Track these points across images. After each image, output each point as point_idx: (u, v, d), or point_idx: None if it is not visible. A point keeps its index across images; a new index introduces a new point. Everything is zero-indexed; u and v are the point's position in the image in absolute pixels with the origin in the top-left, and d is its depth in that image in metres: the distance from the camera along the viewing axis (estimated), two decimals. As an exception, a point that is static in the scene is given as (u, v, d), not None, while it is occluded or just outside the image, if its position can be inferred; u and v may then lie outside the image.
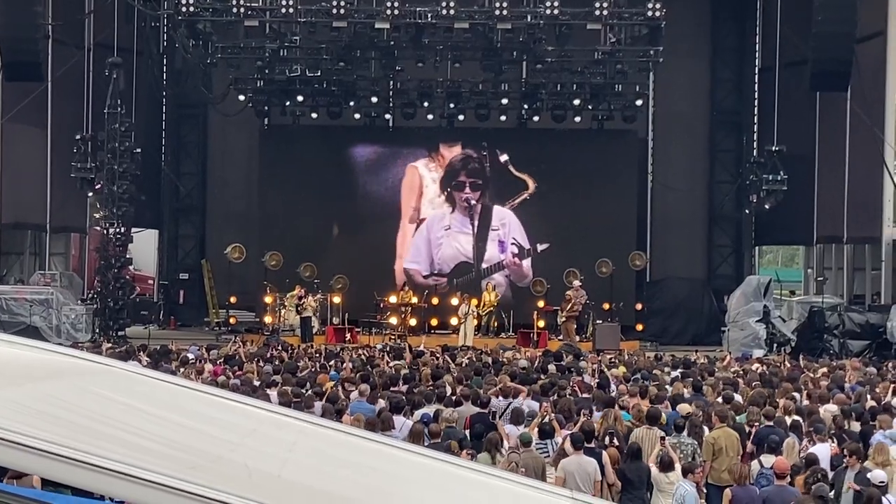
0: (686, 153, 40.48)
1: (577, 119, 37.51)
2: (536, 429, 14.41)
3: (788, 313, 35.57)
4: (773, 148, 34.88)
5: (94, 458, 2.85)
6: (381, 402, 16.29)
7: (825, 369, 23.35)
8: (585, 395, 17.80)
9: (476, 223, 37.59)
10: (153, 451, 2.92)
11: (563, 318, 33.27)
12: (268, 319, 34.58)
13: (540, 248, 37.31)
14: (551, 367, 22.05)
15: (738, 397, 17.83)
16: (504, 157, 37.33)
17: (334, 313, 34.91)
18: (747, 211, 38.15)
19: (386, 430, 13.47)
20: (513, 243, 37.64)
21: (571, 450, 13.10)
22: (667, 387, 19.06)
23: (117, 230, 33.31)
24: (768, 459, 13.13)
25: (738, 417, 15.55)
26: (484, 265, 37.62)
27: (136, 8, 33.50)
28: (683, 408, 16.17)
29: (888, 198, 33.99)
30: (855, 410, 16.20)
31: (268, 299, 34.74)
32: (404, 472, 3.18)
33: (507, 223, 37.77)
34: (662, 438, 14.05)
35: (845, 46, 30.79)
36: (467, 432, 14.65)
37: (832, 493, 12.02)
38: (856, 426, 15.46)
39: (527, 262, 37.62)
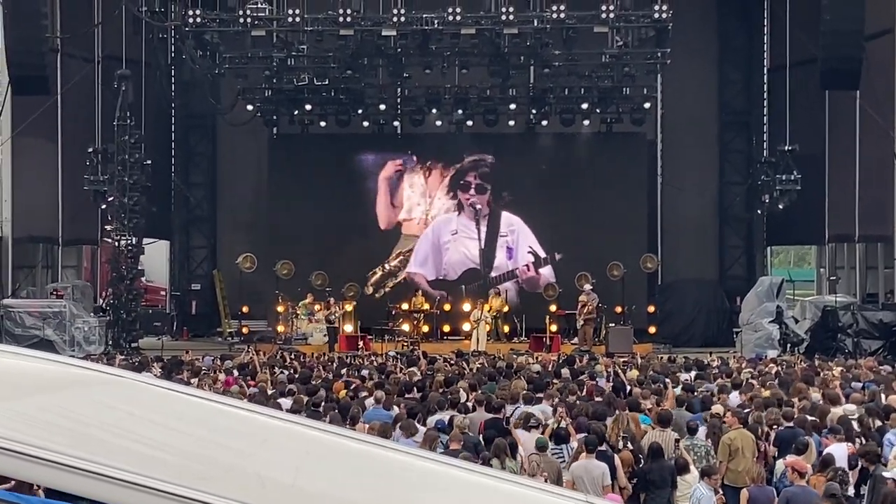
0: (695, 154, 40.41)
1: (586, 123, 37.51)
2: (550, 434, 14.38)
3: (801, 313, 35.46)
4: (786, 148, 34.80)
5: (106, 469, 2.85)
6: (396, 409, 16.28)
7: (840, 369, 23.29)
8: (598, 399, 17.75)
9: (484, 228, 37.60)
10: (165, 461, 2.91)
11: (582, 322, 33.23)
12: (280, 328, 34.62)
13: (558, 256, 37.26)
14: (565, 372, 22.01)
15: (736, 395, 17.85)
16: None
17: (346, 321, 34.92)
18: (759, 211, 38.05)
19: (410, 436, 13.54)
20: (529, 251, 37.57)
21: (584, 453, 13.09)
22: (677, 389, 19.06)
23: (129, 242, 33.36)
24: (792, 460, 13.07)
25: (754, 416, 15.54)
26: (493, 273, 37.55)
27: (143, 20, 33.56)
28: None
29: (900, 195, 33.87)
30: (870, 409, 16.13)
31: (280, 308, 34.77)
32: (417, 479, 3.16)
33: (515, 229, 37.74)
34: (676, 441, 14.01)
35: (854, 44, 30.71)
36: (481, 437, 14.63)
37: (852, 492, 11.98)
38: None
39: (544, 271, 37.53)
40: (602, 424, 14.58)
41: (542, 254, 37.46)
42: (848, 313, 32.62)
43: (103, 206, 33.85)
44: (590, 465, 12.84)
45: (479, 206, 37.62)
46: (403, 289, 36.95)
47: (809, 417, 15.50)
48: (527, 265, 37.58)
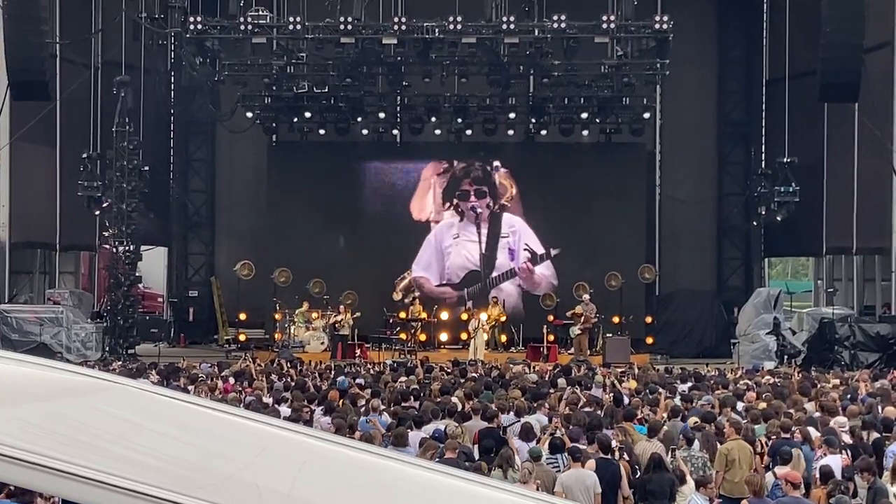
0: (694, 165, 40.48)
1: (585, 133, 37.52)
2: (547, 443, 14.37)
3: (799, 325, 35.48)
4: (785, 159, 34.86)
5: (104, 477, 2.84)
6: (387, 417, 16.27)
7: (837, 381, 23.28)
8: (588, 409, 17.71)
9: (484, 231, 37.63)
10: (163, 470, 2.90)
11: (578, 332, 33.22)
12: (277, 336, 34.60)
13: (553, 252, 37.26)
14: (561, 381, 21.99)
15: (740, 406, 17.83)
16: (496, 163, 37.56)
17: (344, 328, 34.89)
18: (756, 223, 38.09)
19: (400, 447, 13.43)
20: (525, 248, 37.60)
21: (571, 462, 13.08)
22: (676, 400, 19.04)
23: (126, 248, 33.37)
24: (782, 471, 13.07)
25: (756, 428, 15.52)
26: (494, 274, 37.62)
27: (143, 26, 33.60)
28: (692, 420, 16.12)
29: (898, 208, 33.91)
30: (867, 422, 16.11)
31: (277, 316, 34.76)
32: (415, 489, 3.15)
33: (516, 230, 37.79)
34: (673, 451, 13.99)
35: (854, 57, 30.78)
36: (476, 447, 14.60)
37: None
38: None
39: (540, 269, 37.53)
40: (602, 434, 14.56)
41: (540, 250, 37.42)
42: (845, 325, 32.64)
43: (97, 212, 33.85)
44: (581, 474, 12.83)
45: (479, 210, 37.66)
46: (432, 298, 36.86)
47: (811, 429, 15.48)
48: (524, 262, 37.62)
